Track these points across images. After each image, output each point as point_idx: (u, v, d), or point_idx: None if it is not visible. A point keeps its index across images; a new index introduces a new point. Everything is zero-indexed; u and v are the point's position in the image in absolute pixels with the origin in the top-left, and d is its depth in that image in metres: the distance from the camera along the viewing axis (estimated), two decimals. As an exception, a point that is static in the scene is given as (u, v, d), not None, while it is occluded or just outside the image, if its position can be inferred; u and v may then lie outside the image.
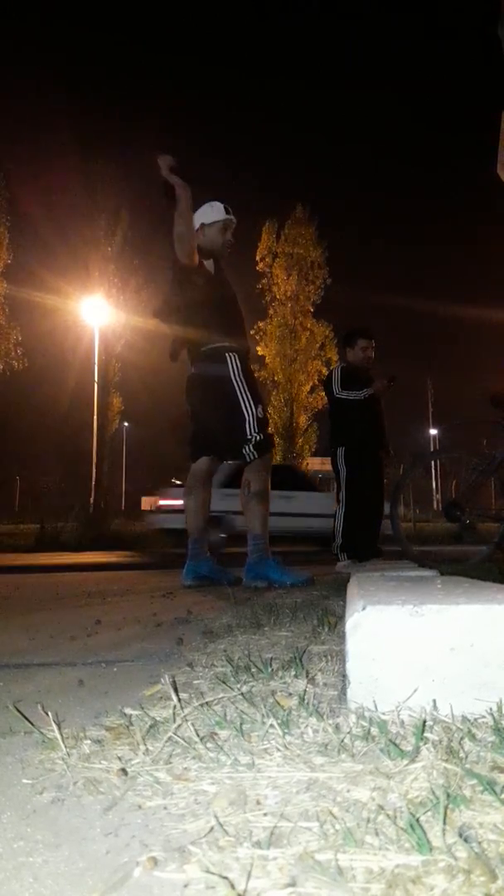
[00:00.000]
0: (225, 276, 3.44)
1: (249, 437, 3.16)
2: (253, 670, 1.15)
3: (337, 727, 0.83)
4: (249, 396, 3.21)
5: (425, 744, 0.75)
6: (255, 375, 3.59)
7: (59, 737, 0.82)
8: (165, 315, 3.40)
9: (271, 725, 0.83)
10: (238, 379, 3.21)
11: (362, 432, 4.53)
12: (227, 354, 3.23)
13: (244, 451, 3.18)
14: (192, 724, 0.85)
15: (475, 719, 0.84)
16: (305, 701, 0.93)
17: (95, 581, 3.83)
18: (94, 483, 19.42)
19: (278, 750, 0.77)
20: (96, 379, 20.27)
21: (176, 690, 0.96)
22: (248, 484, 3.22)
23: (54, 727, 0.84)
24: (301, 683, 1.07)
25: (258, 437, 3.17)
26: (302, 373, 24.78)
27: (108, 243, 21.55)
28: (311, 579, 3.08)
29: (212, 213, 3.39)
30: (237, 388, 3.20)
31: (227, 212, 3.40)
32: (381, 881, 0.49)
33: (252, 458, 3.18)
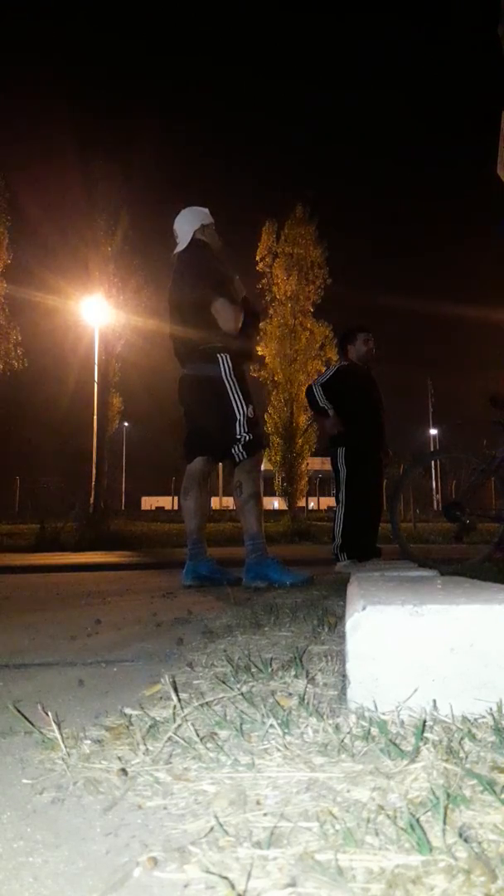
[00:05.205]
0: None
1: (239, 436, 3.17)
2: (253, 670, 1.15)
3: (337, 727, 0.83)
4: (241, 396, 3.22)
5: (425, 744, 0.75)
6: (255, 375, 3.62)
7: (59, 737, 0.82)
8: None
9: (271, 725, 0.83)
10: (229, 379, 3.22)
11: (362, 433, 4.52)
12: (218, 355, 3.24)
13: (234, 451, 3.18)
14: (192, 724, 0.85)
15: (475, 719, 0.84)
16: (305, 701, 0.93)
17: (95, 581, 3.83)
18: (94, 483, 19.41)
19: (278, 750, 0.77)
20: (96, 379, 20.27)
21: (176, 690, 0.96)
22: (239, 485, 3.23)
23: (54, 727, 0.84)
24: (301, 683, 1.06)
25: (247, 438, 3.18)
26: (302, 373, 24.71)
27: (108, 243, 21.51)
28: (310, 579, 3.08)
29: (207, 217, 3.48)
30: (228, 389, 3.21)
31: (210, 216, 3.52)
32: (381, 881, 0.49)
33: (242, 458, 3.19)
